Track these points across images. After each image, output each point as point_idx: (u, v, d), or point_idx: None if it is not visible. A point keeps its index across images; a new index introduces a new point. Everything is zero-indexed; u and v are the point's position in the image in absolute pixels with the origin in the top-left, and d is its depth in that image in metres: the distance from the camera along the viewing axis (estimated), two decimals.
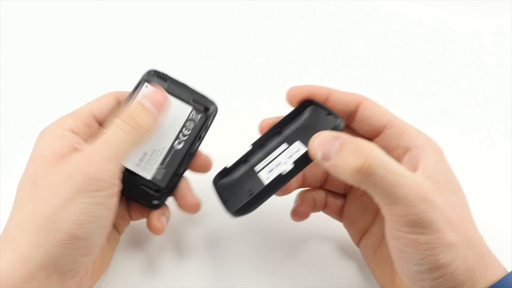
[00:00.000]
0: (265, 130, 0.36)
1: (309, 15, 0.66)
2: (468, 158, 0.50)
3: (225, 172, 0.35)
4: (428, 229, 0.27)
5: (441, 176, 0.29)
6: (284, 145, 0.34)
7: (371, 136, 0.33)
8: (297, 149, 0.33)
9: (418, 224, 0.27)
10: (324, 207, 0.38)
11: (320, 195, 0.38)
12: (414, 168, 0.30)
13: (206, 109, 0.36)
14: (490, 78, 0.59)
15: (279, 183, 0.31)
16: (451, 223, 0.27)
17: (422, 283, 0.28)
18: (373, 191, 0.28)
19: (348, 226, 0.38)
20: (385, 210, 0.28)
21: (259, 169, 0.34)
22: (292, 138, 0.34)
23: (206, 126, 0.36)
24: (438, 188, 0.28)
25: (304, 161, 0.30)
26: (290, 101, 0.35)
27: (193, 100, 0.36)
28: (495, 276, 0.28)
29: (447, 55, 0.62)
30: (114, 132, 0.31)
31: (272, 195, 0.31)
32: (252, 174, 0.34)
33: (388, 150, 0.31)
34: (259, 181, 0.32)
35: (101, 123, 0.35)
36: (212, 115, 0.36)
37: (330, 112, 0.32)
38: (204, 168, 0.36)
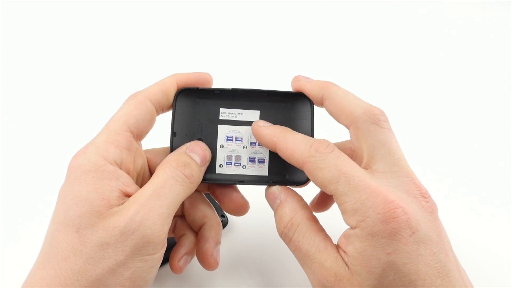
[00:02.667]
0: (299, 80, 0.32)
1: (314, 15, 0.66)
2: (468, 157, 0.50)
3: (193, 90, 0.32)
4: None
5: (362, 268, 0.26)
6: (256, 114, 0.33)
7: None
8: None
9: None
10: None
11: None
12: (344, 250, 0.27)
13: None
14: (490, 77, 0.59)
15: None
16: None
17: None
18: None
19: None
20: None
21: (221, 135, 0.33)
22: (267, 113, 0.33)
23: None
24: (354, 278, 0.26)
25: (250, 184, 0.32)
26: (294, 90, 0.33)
27: None
28: None
29: (445, 52, 0.62)
30: (168, 182, 0.28)
31: None
32: (214, 114, 0.32)
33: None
34: (214, 146, 0.32)
35: (136, 138, 0.31)
36: None
37: (312, 128, 0.32)
38: (238, 211, 0.34)
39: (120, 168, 0.28)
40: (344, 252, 0.27)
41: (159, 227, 0.26)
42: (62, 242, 0.26)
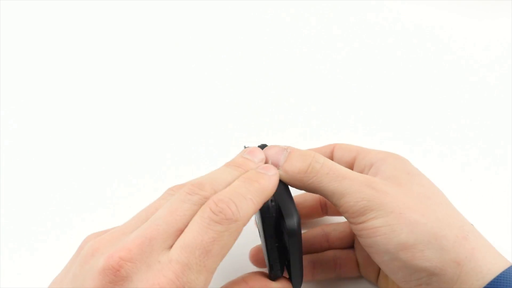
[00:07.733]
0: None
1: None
2: (469, 157, 0.50)
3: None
4: (381, 212, 0.27)
5: (402, 174, 0.30)
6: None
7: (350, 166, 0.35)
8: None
9: (370, 208, 0.27)
10: (339, 267, 0.36)
11: (326, 255, 0.36)
12: (374, 175, 0.30)
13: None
14: (489, 79, 0.59)
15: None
16: (410, 206, 0.27)
17: (400, 274, 0.27)
18: (321, 190, 0.28)
19: (365, 275, 0.36)
20: (338, 207, 0.28)
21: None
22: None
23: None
24: (398, 182, 0.29)
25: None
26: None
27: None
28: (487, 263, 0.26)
29: (442, 58, 0.62)
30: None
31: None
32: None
33: (360, 171, 0.32)
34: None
35: None
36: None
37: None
38: None
39: None
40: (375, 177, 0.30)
41: None
42: None
